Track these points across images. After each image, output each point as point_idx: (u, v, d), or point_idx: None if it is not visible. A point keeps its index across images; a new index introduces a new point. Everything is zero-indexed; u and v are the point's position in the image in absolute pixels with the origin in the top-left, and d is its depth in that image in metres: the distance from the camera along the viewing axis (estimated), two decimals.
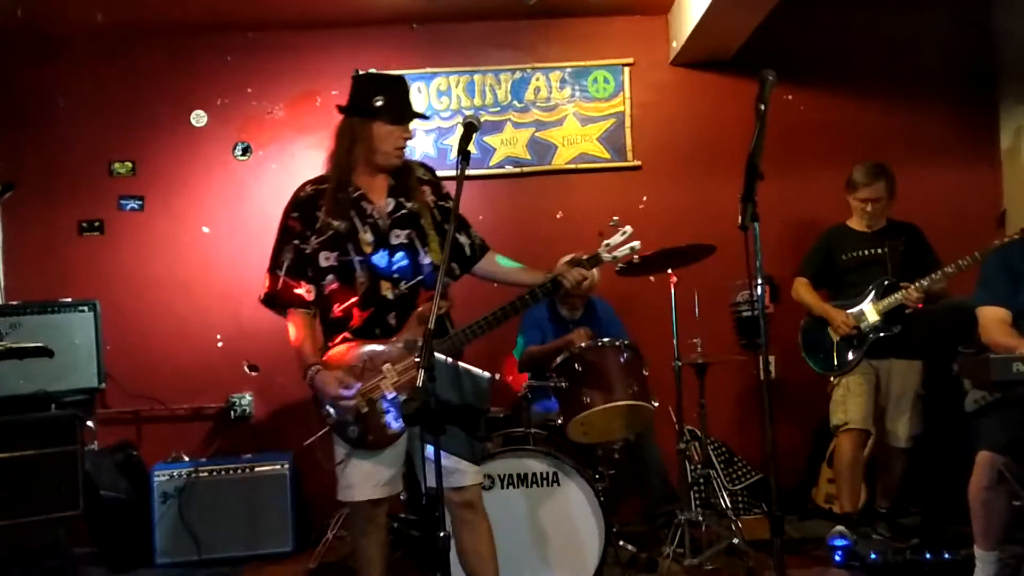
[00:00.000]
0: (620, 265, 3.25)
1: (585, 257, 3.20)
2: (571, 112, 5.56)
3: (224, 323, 5.46)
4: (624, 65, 5.57)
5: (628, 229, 3.18)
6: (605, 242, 3.20)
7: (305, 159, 5.51)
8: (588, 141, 5.56)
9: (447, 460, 2.95)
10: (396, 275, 3.08)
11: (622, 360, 4.01)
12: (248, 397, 5.42)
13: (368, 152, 3.13)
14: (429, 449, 2.66)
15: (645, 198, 5.54)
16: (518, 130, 5.55)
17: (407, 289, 3.08)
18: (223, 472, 4.93)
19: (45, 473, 4.15)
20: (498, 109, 5.53)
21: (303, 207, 3.14)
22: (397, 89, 3.17)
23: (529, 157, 5.53)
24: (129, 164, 5.48)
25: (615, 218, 3.25)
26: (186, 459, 5.08)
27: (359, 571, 3.29)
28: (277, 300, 3.17)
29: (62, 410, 4.57)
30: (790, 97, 5.53)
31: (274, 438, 5.31)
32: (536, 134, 5.56)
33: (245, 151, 5.52)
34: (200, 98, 5.51)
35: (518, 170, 5.53)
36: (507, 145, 5.52)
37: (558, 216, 5.52)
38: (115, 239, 5.47)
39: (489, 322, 3.08)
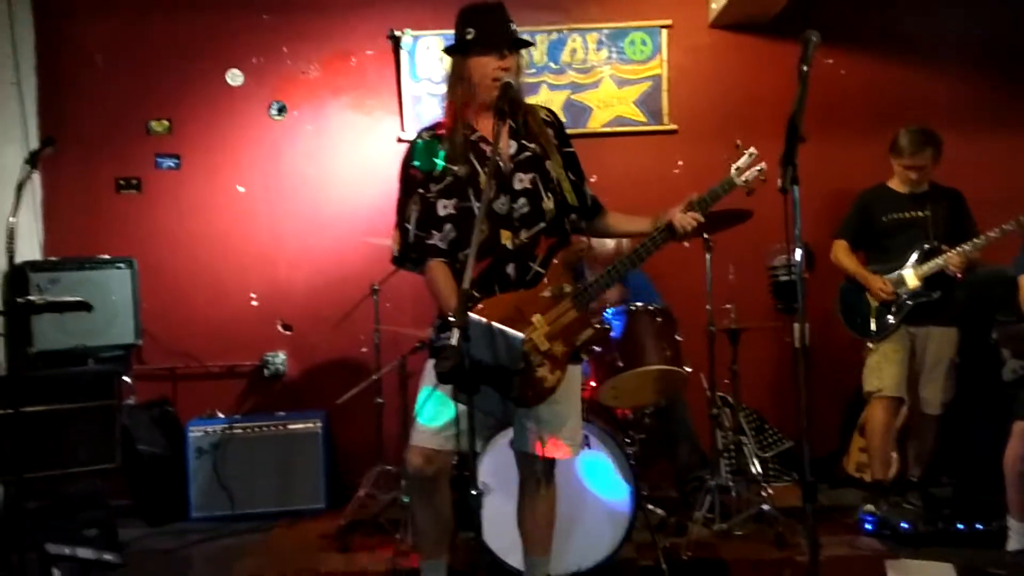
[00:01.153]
0: (750, 190, 3.03)
1: (716, 185, 3.01)
2: (607, 74, 5.50)
3: (258, 282, 5.50)
4: (662, 27, 5.48)
5: (753, 151, 2.99)
6: (734, 166, 3.01)
7: (340, 119, 5.53)
8: (624, 104, 5.50)
9: (539, 427, 2.97)
10: (517, 223, 2.95)
11: (655, 325, 4.00)
12: (282, 356, 5.47)
13: (471, 90, 2.96)
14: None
15: (681, 162, 5.49)
16: (553, 92, 5.50)
17: (527, 239, 2.95)
18: (257, 429, 5.01)
19: (83, 426, 4.23)
20: (534, 71, 5.47)
21: (421, 155, 3.01)
22: (490, 17, 2.98)
23: (564, 120, 5.42)
24: (166, 122, 5.51)
25: (739, 141, 3.03)
26: (221, 416, 5.15)
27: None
28: (411, 255, 3.01)
29: (100, 365, 4.65)
30: (831, 61, 5.43)
31: (306, 396, 5.37)
32: (572, 96, 5.51)
33: (280, 111, 5.52)
34: (236, 57, 5.51)
35: None
36: None
37: (592, 180, 5.39)
38: (152, 197, 5.50)
39: (612, 275, 2.95)
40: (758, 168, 3.00)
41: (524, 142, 3.02)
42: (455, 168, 2.95)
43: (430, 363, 3.00)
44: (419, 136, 3.07)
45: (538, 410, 2.97)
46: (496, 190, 2.93)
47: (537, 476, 3.14)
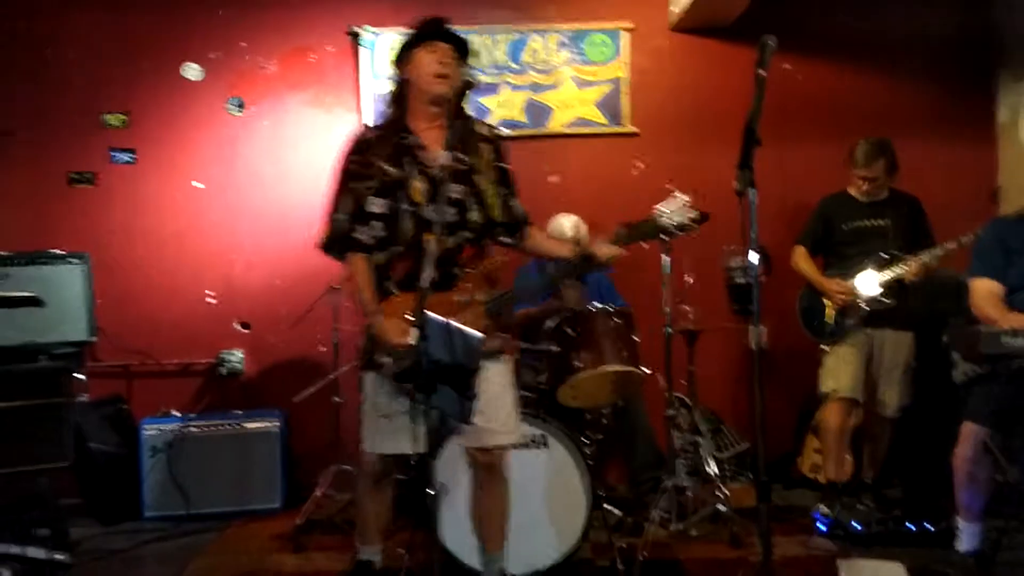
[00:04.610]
0: (676, 233, 3.15)
1: (644, 223, 3.14)
2: (568, 75, 5.51)
3: (215, 279, 5.45)
4: (623, 29, 5.50)
5: (685, 197, 3.11)
6: (660, 207, 3.13)
7: (299, 115, 5.48)
8: (585, 105, 5.52)
9: (478, 419, 3.01)
10: (442, 229, 3.00)
11: (613, 325, 4.01)
12: (238, 354, 5.41)
13: (416, 90, 3.08)
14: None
15: (640, 164, 5.52)
16: (515, 92, 5.51)
17: (453, 244, 3.05)
18: (213, 428, 4.96)
19: (34, 424, 4.14)
20: (495, 70, 5.47)
21: (360, 151, 3.12)
22: (432, 22, 3.11)
23: (525, 120, 5.49)
24: (121, 116, 5.43)
25: (668, 185, 3.17)
26: (176, 414, 5.08)
27: (360, 527, 3.38)
28: (336, 245, 3.13)
29: (52, 362, 4.57)
30: (788, 67, 5.48)
31: (264, 395, 5.32)
32: (532, 97, 5.51)
33: (238, 106, 5.46)
34: (193, 51, 5.44)
35: (513, 133, 5.47)
36: (503, 107, 5.47)
37: (552, 180, 5.49)
38: (106, 191, 5.42)
39: (541, 285, 3.24)
40: (690, 214, 3.10)
41: (458, 153, 3.09)
42: (389, 170, 3.05)
43: (368, 377, 3.14)
44: (362, 132, 3.18)
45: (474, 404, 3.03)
46: (427, 196, 3.03)
47: (489, 471, 3.21)
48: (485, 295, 3.07)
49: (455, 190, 3.06)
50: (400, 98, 3.14)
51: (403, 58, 3.11)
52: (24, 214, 5.36)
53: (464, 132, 3.10)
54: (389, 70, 3.26)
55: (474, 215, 3.09)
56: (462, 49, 3.13)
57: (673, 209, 3.10)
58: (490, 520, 3.27)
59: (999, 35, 5.58)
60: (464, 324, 2.89)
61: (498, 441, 3.17)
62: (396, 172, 3.04)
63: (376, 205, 3.05)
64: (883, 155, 4.53)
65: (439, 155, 3.06)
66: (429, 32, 3.08)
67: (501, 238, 3.25)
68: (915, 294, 4.48)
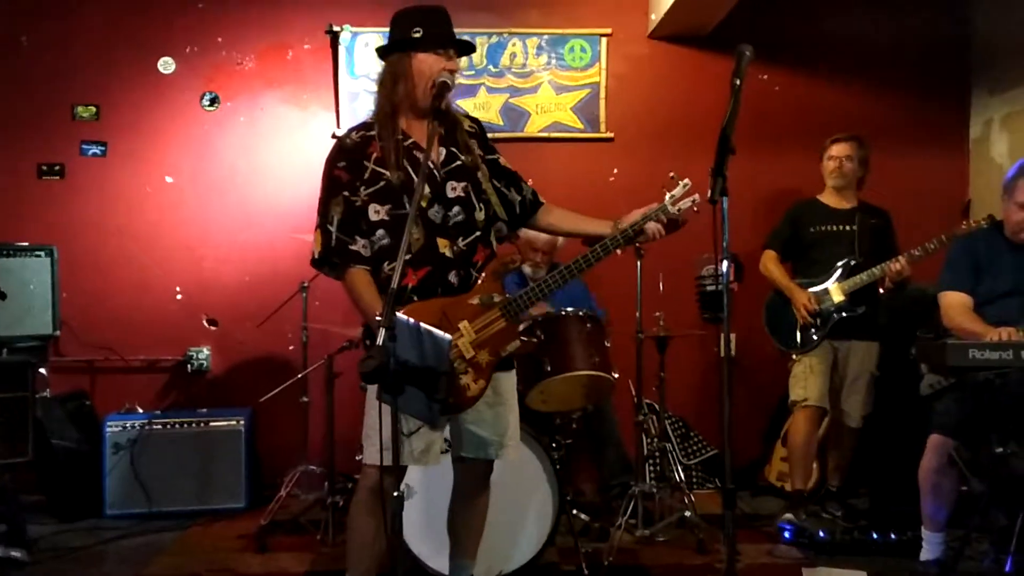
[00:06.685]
0: (682, 220, 3.03)
1: (649, 211, 2.96)
2: (546, 80, 5.51)
3: (184, 275, 5.39)
4: (602, 35, 5.51)
5: (687, 182, 2.97)
6: (669, 194, 2.99)
7: (274, 113, 5.44)
8: (562, 110, 5.52)
9: (484, 431, 2.97)
10: (453, 231, 2.91)
11: (584, 330, 4.01)
12: (206, 351, 5.36)
13: (410, 90, 2.87)
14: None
15: (616, 170, 5.53)
16: (492, 95, 5.50)
17: (465, 246, 2.91)
18: (177, 425, 4.90)
19: None
20: (472, 73, 5.45)
21: (350, 155, 2.89)
22: (436, 18, 2.92)
23: (502, 123, 5.47)
24: (93, 108, 5.36)
25: (673, 173, 3.01)
26: (140, 411, 5.03)
27: (352, 555, 2.99)
28: (331, 259, 2.90)
29: (14, 355, 4.51)
30: (765, 77, 5.52)
31: (231, 393, 5.27)
32: (510, 100, 5.51)
33: (213, 101, 5.41)
34: (169, 44, 5.39)
35: (490, 136, 5.45)
36: (480, 110, 5.45)
37: (527, 183, 5.46)
38: (75, 184, 5.35)
39: (544, 288, 2.92)
40: (691, 199, 2.99)
41: (454, 150, 2.97)
42: (388, 174, 2.87)
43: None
44: (348, 136, 2.96)
45: (483, 414, 2.97)
46: (430, 198, 2.88)
47: (479, 481, 3.14)
48: (502, 295, 2.90)
49: (458, 188, 2.92)
50: (391, 94, 2.92)
51: (399, 52, 2.90)
52: None
53: (453, 128, 2.97)
54: (377, 66, 3.05)
55: (480, 214, 2.95)
56: (464, 50, 2.99)
57: (678, 195, 2.98)
58: (470, 529, 3.18)
59: (974, 51, 5.64)
60: (486, 327, 2.86)
61: (507, 455, 3.06)
62: (398, 176, 2.86)
63: (376, 212, 2.88)
64: (857, 139, 4.64)
65: (438, 153, 2.93)
66: (442, 39, 2.89)
67: (500, 232, 3.07)
68: (884, 305, 4.52)
